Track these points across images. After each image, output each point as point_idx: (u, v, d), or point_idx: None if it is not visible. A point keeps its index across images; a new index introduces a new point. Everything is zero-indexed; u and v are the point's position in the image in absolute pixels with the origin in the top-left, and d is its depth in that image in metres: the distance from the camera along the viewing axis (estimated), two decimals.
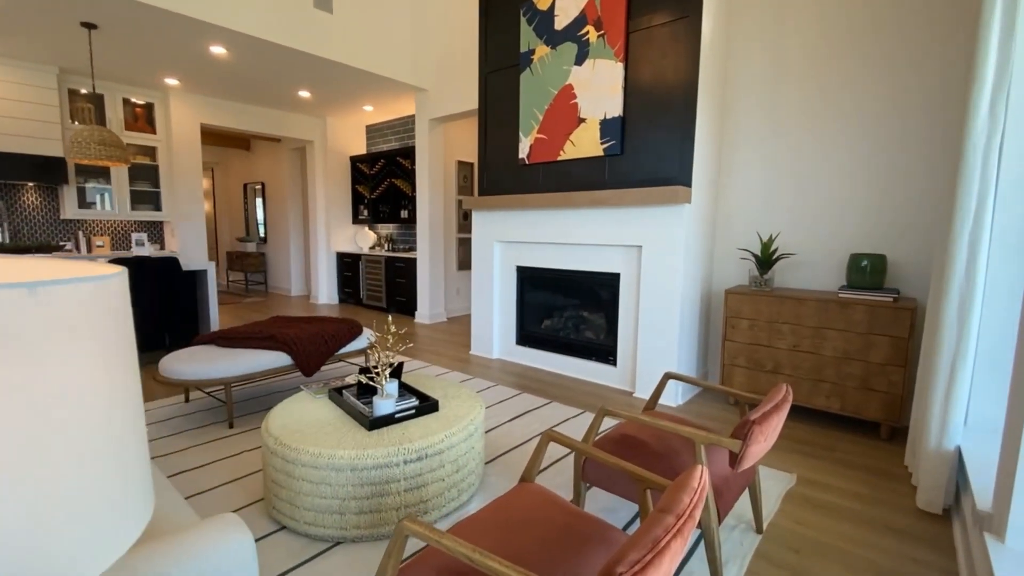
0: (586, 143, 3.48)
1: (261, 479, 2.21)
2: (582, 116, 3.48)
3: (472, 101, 4.89)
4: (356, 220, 7.27)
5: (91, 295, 0.38)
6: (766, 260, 3.04)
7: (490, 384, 3.59)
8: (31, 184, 5.20)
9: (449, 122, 5.75)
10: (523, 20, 3.75)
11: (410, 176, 6.29)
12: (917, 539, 1.83)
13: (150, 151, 5.82)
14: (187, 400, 3.17)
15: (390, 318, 2.12)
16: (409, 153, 6.28)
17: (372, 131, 7.21)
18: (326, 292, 7.28)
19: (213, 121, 6.06)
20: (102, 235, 5.75)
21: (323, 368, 3.85)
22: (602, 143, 3.39)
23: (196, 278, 4.59)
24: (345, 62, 4.67)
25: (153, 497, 0.49)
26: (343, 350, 3.30)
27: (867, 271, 2.72)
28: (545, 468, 2.32)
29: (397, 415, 1.97)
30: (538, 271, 4.01)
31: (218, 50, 4.35)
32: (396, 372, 2.23)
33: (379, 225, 7.19)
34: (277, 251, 8.53)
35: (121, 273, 0.44)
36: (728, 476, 1.62)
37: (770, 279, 3.07)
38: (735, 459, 1.45)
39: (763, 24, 3.22)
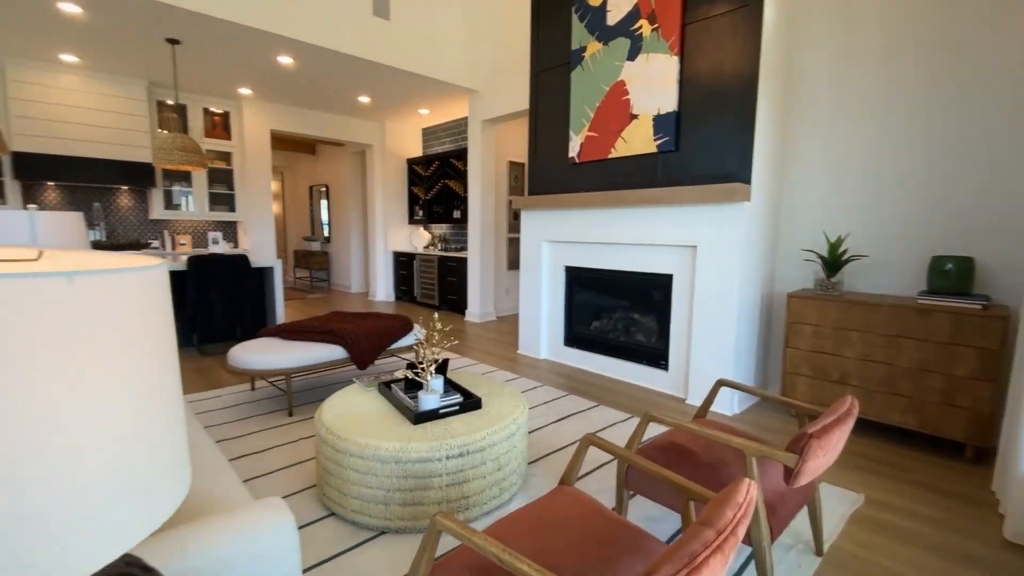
0: (638, 140, 3.38)
1: (315, 466, 2.31)
2: (634, 112, 3.39)
3: (523, 101, 4.90)
4: (411, 220, 7.48)
5: (128, 284, 0.40)
6: (834, 262, 2.83)
7: (537, 384, 3.58)
8: (125, 188, 5.76)
9: (501, 123, 5.79)
10: (574, 17, 3.71)
11: (463, 177, 6.40)
12: (1001, 572, 1.64)
13: (226, 156, 6.28)
14: (253, 388, 3.39)
15: (436, 315, 2.15)
16: (462, 155, 6.39)
17: (427, 134, 7.40)
18: (383, 290, 7.55)
19: (282, 127, 6.44)
20: (184, 234, 6.27)
21: (376, 362, 3.99)
22: (655, 139, 3.29)
23: (264, 274, 4.90)
24: (401, 67, 4.82)
25: (189, 477, 0.52)
26: (395, 345, 3.40)
27: (951, 275, 2.47)
28: (590, 472, 2.28)
29: (441, 411, 2.00)
30: (587, 271, 3.96)
31: (285, 60, 4.61)
32: (442, 368, 2.27)
33: (433, 225, 7.36)
34: (339, 250, 8.94)
35: (160, 266, 0.47)
36: (783, 492, 1.52)
37: (838, 282, 2.85)
38: (790, 474, 1.36)
39: (832, 8, 3.00)
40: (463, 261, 6.13)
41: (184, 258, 4.25)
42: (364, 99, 5.99)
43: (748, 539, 1.39)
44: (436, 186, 6.91)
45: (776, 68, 3.03)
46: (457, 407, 2.05)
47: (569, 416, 2.97)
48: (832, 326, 2.73)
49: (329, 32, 4.28)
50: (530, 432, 2.73)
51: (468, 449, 1.84)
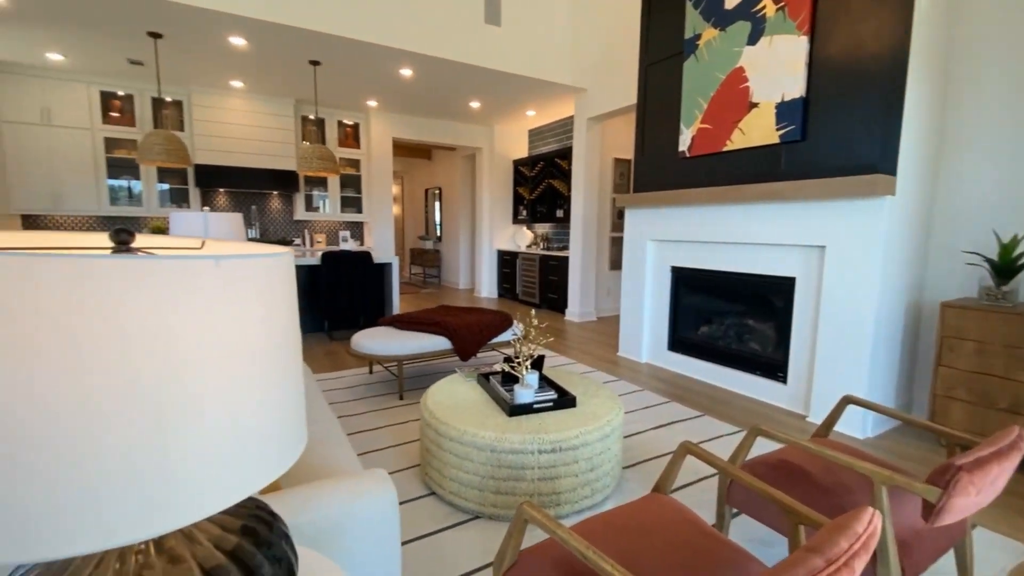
0: (758, 130, 3.12)
1: (419, 447, 2.49)
2: (754, 100, 3.12)
3: (631, 96, 4.76)
4: (516, 220, 7.67)
5: (260, 268, 0.48)
6: (1006, 267, 2.35)
7: (636, 388, 3.47)
8: (275, 193, 6.66)
9: (607, 120, 5.69)
10: (688, 5, 3.52)
11: (567, 176, 6.40)
12: None
13: (355, 163, 6.98)
14: (371, 372, 3.73)
15: (533, 312, 2.20)
16: (566, 154, 6.40)
17: (533, 135, 7.52)
18: (487, 286, 7.84)
19: (402, 135, 6.98)
20: (321, 233, 7.08)
21: (479, 355, 4.17)
22: (778, 129, 3.01)
23: (384, 269, 5.37)
24: (511, 71, 4.96)
25: (305, 436, 0.60)
26: (495, 340, 3.52)
27: None
28: (689, 484, 2.16)
29: (535, 405, 2.04)
30: (696, 272, 3.74)
31: (406, 72, 4.99)
32: (537, 364, 2.31)
33: (536, 224, 7.47)
34: (449, 248, 9.47)
35: (285, 255, 0.55)
36: (921, 530, 1.31)
37: (1011, 292, 2.37)
38: (931, 511, 1.17)
39: None
40: (564, 260, 6.14)
41: (319, 254, 4.81)
42: (475, 104, 6.26)
43: None
44: (540, 186, 7.00)
45: (933, 41, 2.60)
46: (551, 403, 2.07)
47: (670, 424, 2.84)
48: (1002, 343, 2.28)
49: (445, 43, 4.55)
50: (627, 437, 2.66)
51: (560, 446, 1.85)
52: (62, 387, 0.37)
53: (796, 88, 2.90)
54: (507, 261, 7.49)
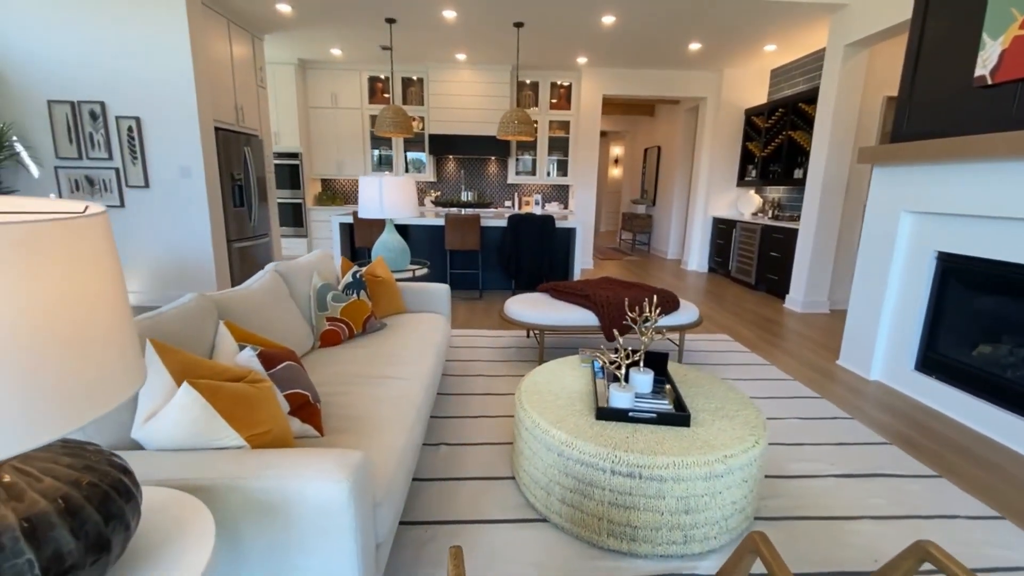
0: None
1: None
2: None
3: (911, 7, 3.31)
4: (741, 182, 6.48)
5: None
6: None
7: (842, 415, 2.56)
8: (492, 158, 7.16)
9: (876, 44, 4.16)
10: None
11: (813, 126, 5.01)
12: None
13: (565, 125, 6.92)
14: (528, 335, 3.74)
15: (646, 303, 1.77)
16: (816, 97, 4.98)
17: (776, 75, 6.10)
18: (697, 259, 6.95)
19: (614, 91, 6.56)
20: (529, 195, 7.37)
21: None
22: None
23: (569, 234, 5.26)
24: None
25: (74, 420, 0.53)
26: (660, 323, 3.07)
27: None
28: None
29: (631, 413, 1.67)
30: (980, 263, 2.47)
31: (608, 19, 4.57)
32: (655, 363, 1.89)
33: (767, 188, 6.17)
34: (662, 213, 8.71)
35: (93, 215, 0.48)
36: None
37: None
38: None
39: None
40: (792, 233, 4.91)
41: (505, 214, 5.00)
42: (695, 46, 5.37)
43: None
44: (776, 139, 5.69)
45: None
46: (653, 415, 1.66)
47: (872, 476, 2.00)
48: None
49: None
50: (789, 477, 1.98)
51: (640, 472, 1.47)
52: None
53: None
54: (723, 231, 6.45)
